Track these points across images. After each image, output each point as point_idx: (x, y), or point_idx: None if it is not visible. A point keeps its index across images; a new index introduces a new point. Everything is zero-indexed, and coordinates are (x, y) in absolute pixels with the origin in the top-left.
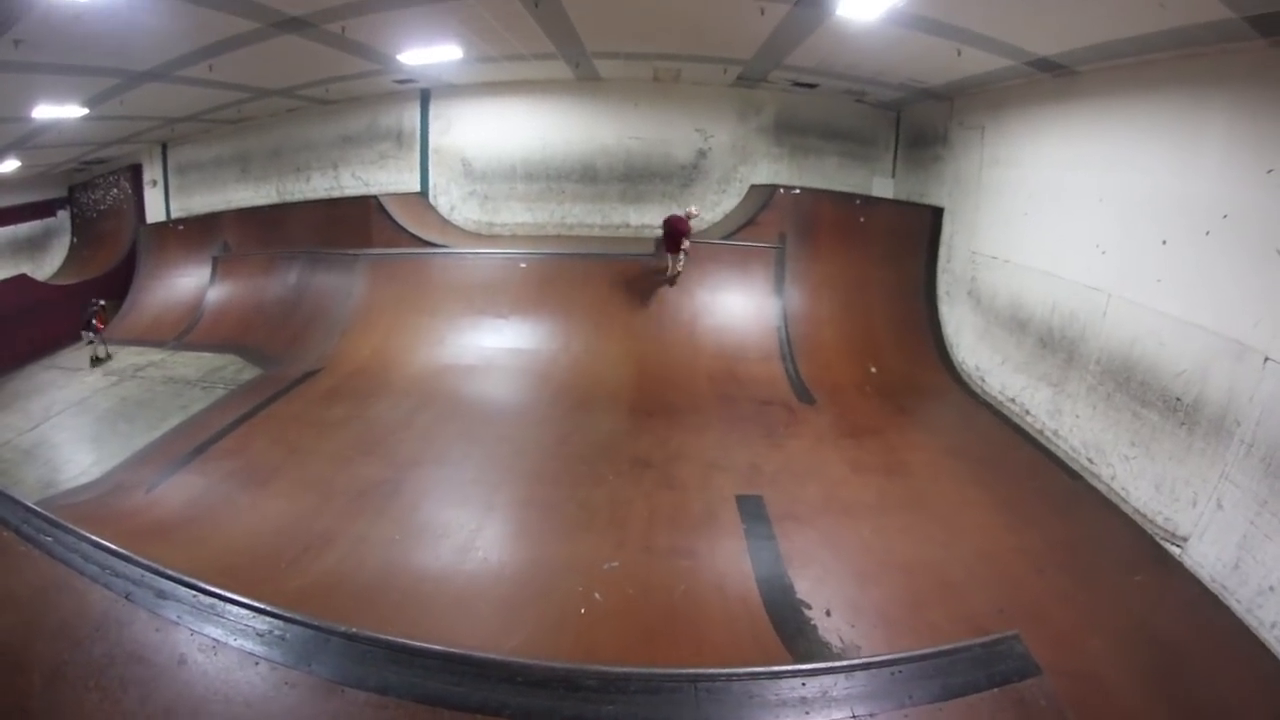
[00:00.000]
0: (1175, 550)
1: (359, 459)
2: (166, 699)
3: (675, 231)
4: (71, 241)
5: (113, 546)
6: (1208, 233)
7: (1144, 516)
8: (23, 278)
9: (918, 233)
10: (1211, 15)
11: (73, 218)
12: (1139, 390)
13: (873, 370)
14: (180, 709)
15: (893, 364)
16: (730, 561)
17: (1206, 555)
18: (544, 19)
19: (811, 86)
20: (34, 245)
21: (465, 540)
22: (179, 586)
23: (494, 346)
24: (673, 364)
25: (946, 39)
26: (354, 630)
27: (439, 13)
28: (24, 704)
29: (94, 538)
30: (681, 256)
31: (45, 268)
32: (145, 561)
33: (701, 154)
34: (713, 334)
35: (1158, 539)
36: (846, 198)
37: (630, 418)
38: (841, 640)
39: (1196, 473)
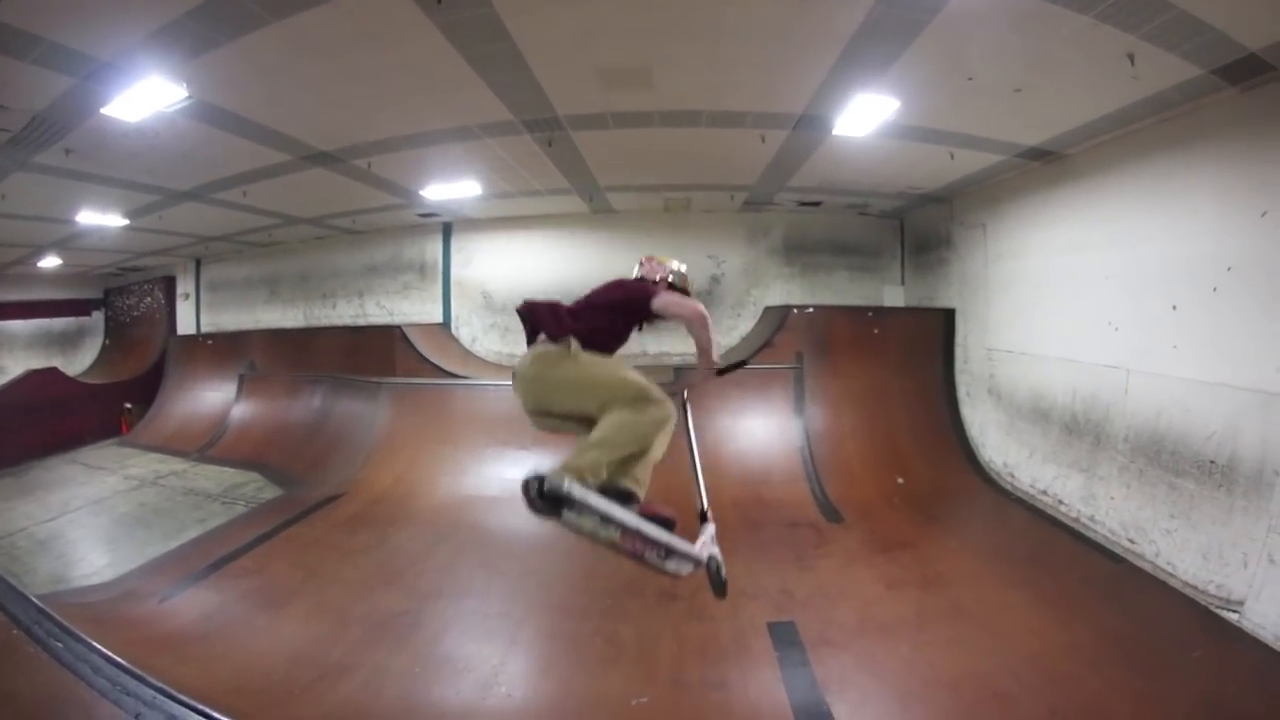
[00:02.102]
0: (1233, 616)
1: (380, 588)
2: None
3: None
4: (104, 343)
5: (125, 663)
6: (1215, 289)
7: (1194, 588)
8: (54, 370)
9: (932, 337)
10: (1181, 76)
11: (106, 320)
12: (1171, 461)
13: (900, 481)
14: None
15: (919, 472)
16: (764, 691)
17: (1266, 615)
18: (558, 157)
19: (816, 204)
20: (67, 341)
21: (488, 675)
22: (192, 713)
23: (517, 478)
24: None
25: (938, 144)
26: None
27: (459, 152)
28: None
29: (106, 651)
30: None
31: (76, 364)
32: (158, 684)
33: (715, 280)
34: (736, 459)
35: (1213, 608)
36: (859, 311)
37: None
38: None
39: (1242, 532)
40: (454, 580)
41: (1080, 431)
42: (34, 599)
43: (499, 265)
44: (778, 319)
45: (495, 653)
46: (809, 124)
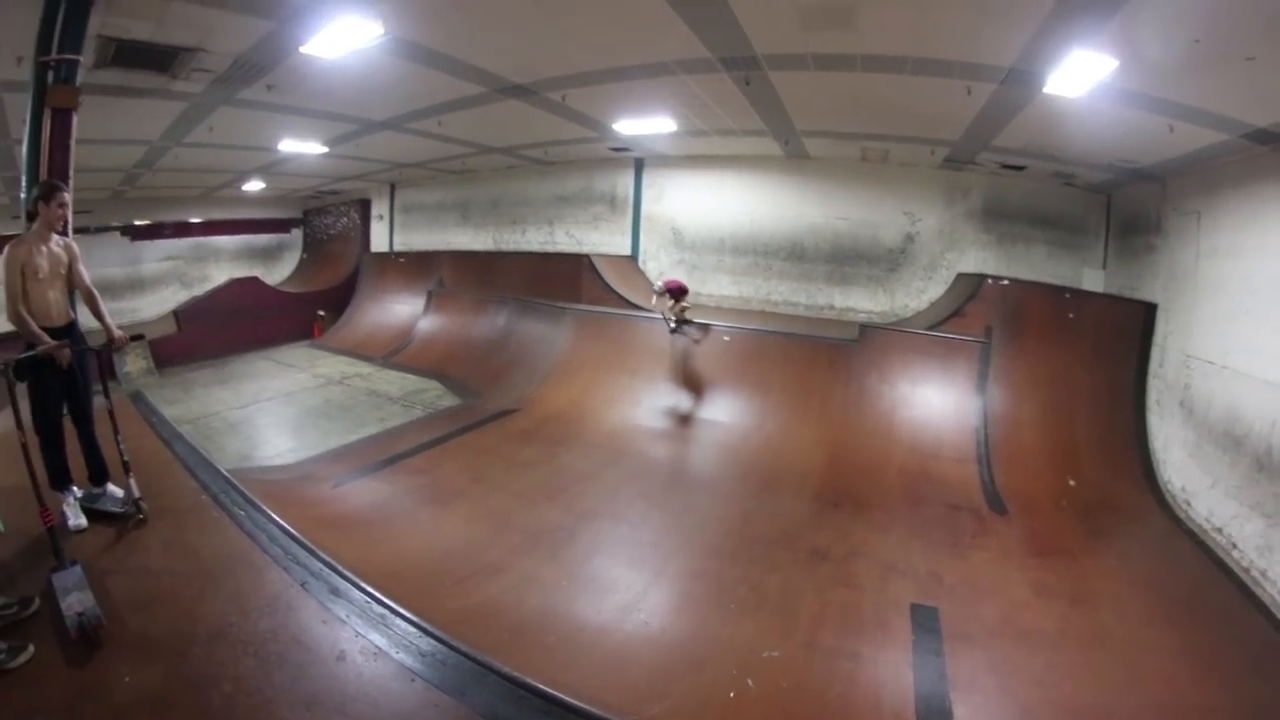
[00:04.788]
0: None
1: (541, 501)
2: (316, 687)
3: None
4: (301, 257)
5: (299, 535)
6: None
7: None
8: (255, 279)
9: (1128, 332)
10: None
11: (304, 237)
12: None
13: (1071, 483)
14: (326, 701)
15: (1093, 478)
16: (892, 672)
17: None
18: (755, 97)
19: (1019, 169)
20: (268, 255)
21: (630, 600)
22: (354, 589)
23: (689, 414)
24: (865, 455)
25: (1156, 114)
26: (515, 674)
27: (655, 87)
28: (185, 648)
29: (283, 523)
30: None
31: (275, 275)
32: (327, 558)
33: (909, 238)
34: (909, 428)
35: None
36: (1056, 291)
37: (815, 505)
38: None
39: None
40: (613, 504)
41: (1273, 471)
42: (223, 470)
43: (690, 203)
44: (970, 288)
45: (641, 580)
46: (1018, 79)
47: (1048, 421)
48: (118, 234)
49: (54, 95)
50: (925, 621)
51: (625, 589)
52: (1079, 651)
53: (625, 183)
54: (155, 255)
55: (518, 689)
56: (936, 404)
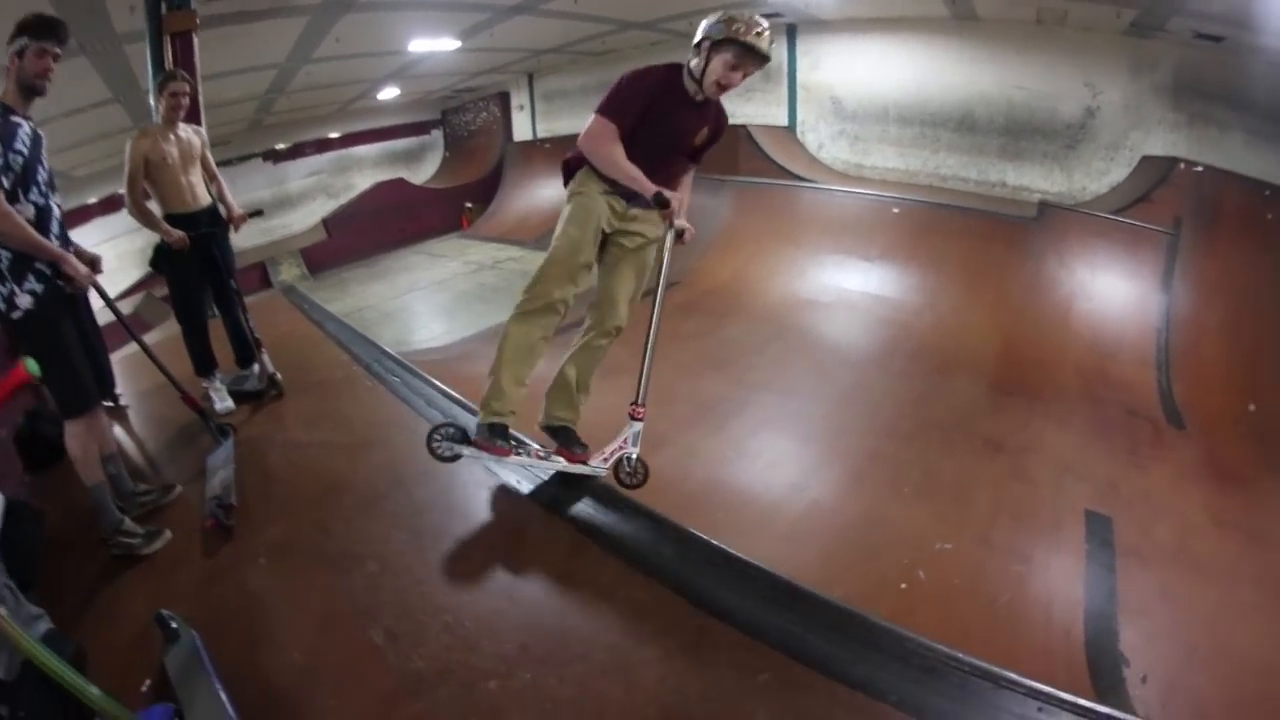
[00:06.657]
0: None
1: (707, 373)
2: (482, 567)
3: None
4: (444, 155)
5: (459, 396)
6: None
7: None
8: (400, 180)
9: None
10: None
11: (445, 136)
12: None
13: (1251, 408)
14: (494, 583)
15: (1274, 406)
16: (1064, 582)
17: None
18: None
19: (1217, 40)
20: (410, 157)
21: (800, 477)
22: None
23: (857, 290)
24: (1041, 345)
25: None
26: (737, 554)
27: None
28: (328, 524)
29: (441, 385)
30: None
31: (420, 175)
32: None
33: (1089, 112)
34: (1087, 321)
35: None
36: (1255, 185)
37: (990, 393)
38: (1147, 716)
39: None
40: (782, 378)
41: None
42: (374, 341)
43: (849, 70)
44: (1159, 172)
45: (811, 456)
46: None
47: (1233, 334)
48: (260, 159)
49: (171, 21)
50: (1099, 531)
51: (795, 465)
52: (1251, 593)
53: (778, 51)
54: (299, 173)
55: (749, 574)
56: (1118, 298)
